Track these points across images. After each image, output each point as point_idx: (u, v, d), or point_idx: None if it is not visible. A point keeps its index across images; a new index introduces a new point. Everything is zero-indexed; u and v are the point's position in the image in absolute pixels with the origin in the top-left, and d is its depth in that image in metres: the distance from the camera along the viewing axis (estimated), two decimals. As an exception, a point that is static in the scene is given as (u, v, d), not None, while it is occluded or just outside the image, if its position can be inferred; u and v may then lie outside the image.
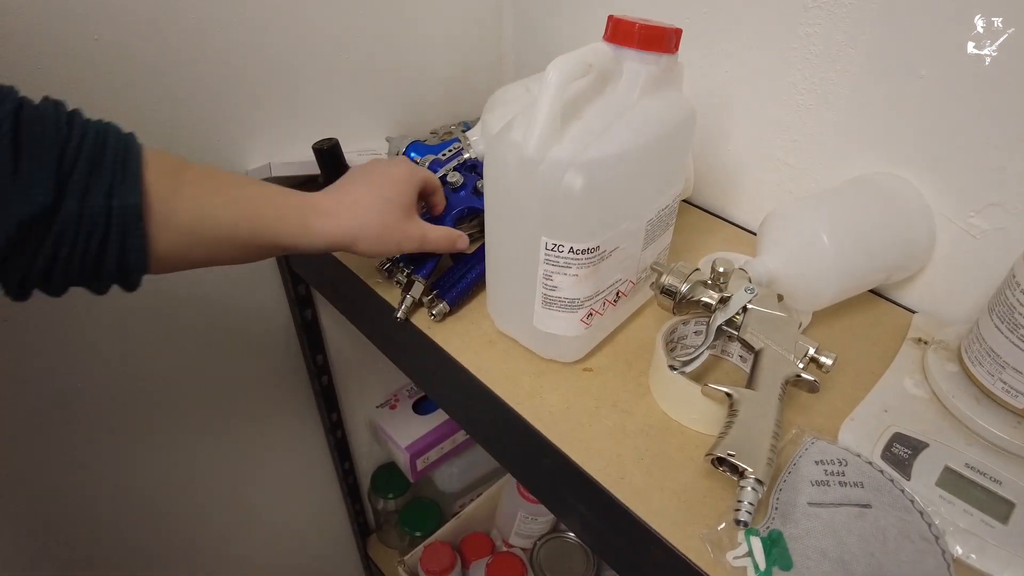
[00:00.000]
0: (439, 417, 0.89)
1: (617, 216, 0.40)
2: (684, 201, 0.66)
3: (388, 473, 0.98)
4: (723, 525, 0.36)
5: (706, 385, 0.40)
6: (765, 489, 0.36)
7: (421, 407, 0.91)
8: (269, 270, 0.72)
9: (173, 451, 0.75)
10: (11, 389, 0.59)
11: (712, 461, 0.37)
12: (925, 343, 0.47)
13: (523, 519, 0.88)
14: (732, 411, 0.39)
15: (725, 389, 0.40)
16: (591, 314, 0.43)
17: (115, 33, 0.52)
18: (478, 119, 0.78)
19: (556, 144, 0.37)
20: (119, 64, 0.53)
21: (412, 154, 0.62)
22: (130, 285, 0.36)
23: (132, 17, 0.52)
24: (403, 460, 0.86)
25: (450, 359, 0.47)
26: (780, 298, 0.46)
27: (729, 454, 0.36)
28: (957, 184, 0.48)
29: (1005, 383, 0.39)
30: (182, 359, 0.70)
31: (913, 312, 0.53)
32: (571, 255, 0.39)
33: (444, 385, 0.51)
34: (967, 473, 0.38)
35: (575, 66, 0.36)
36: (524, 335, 0.46)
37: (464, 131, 0.72)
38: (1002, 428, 0.39)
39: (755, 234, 0.61)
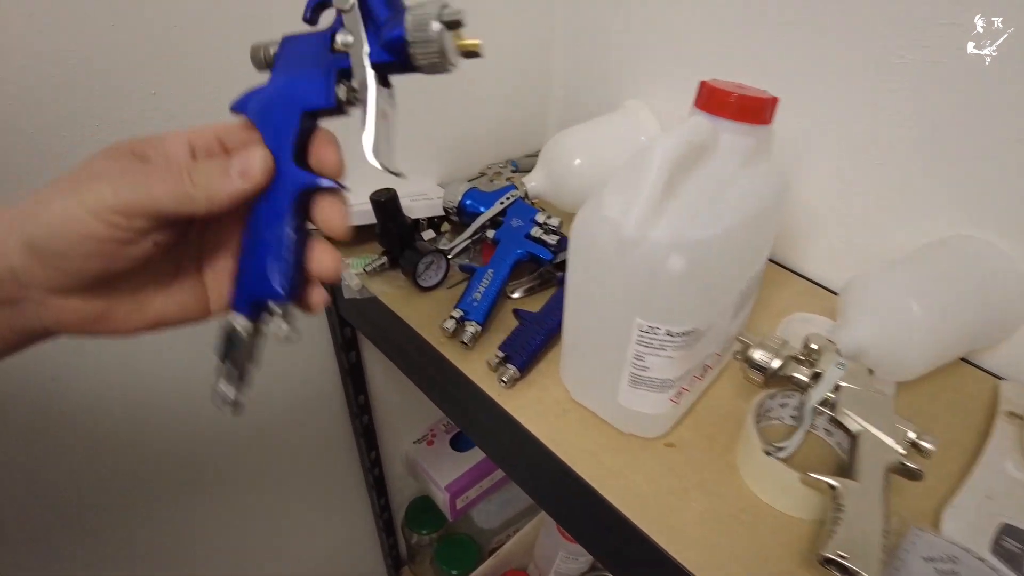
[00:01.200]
0: (478, 454, 0.88)
1: (715, 295, 0.38)
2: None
3: (423, 506, 0.97)
4: (831, 628, 0.35)
5: (807, 475, 0.39)
6: (879, 593, 0.34)
7: (459, 443, 0.89)
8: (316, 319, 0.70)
9: (211, 486, 0.74)
10: (50, 446, 0.58)
11: (821, 561, 0.36)
12: (1020, 418, 0.45)
13: (563, 558, 0.86)
14: (837, 505, 0.37)
15: (829, 480, 0.38)
16: (680, 392, 0.41)
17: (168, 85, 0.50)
18: (524, 156, 0.76)
19: (655, 224, 0.36)
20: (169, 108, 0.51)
21: (468, 201, 0.61)
22: None
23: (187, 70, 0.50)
24: (442, 499, 0.84)
25: (524, 431, 0.45)
26: (871, 372, 0.44)
27: (841, 556, 0.35)
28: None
29: (1124, 476, 0.37)
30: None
31: (999, 378, 0.50)
32: (667, 337, 0.38)
33: (518, 458, 0.49)
34: (1086, 572, 0.36)
35: (681, 147, 0.34)
36: (605, 410, 0.44)
37: (513, 170, 0.70)
38: (1122, 524, 0.37)
39: (827, 289, 0.59)
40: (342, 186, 0.27)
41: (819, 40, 0.53)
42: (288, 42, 0.28)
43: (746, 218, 0.38)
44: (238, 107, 0.28)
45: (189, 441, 0.68)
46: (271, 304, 0.27)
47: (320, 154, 0.27)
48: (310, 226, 0.28)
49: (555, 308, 0.52)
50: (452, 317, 0.52)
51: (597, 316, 0.40)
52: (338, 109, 0.27)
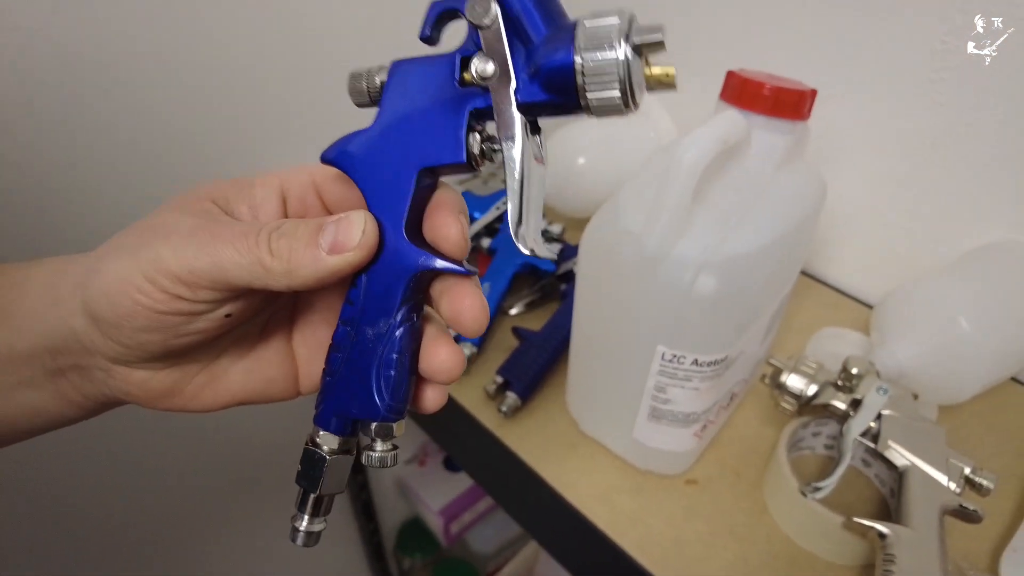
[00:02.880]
0: (473, 474, 0.82)
1: (750, 318, 0.33)
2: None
3: (415, 530, 0.91)
4: None
5: (851, 519, 0.34)
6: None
7: (452, 464, 0.84)
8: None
9: (191, 512, 0.68)
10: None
11: (875, 625, 0.31)
12: (1078, 445, 0.41)
13: (565, 583, 0.81)
14: (887, 555, 0.32)
15: (878, 527, 0.33)
16: (705, 426, 0.37)
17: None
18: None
19: (682, 236, 0.31)
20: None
21: (461, 207, 0.55)
22: None
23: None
24: (436, 523, 0.79)
25: (527, 468, 0.40)
26: (915, 397, 0.39)
27: (898, 620, 0.30)
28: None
29: None
30: (205, 429, 0.63)
31: (1046, 397, 0.46)
32: (694, 368, 0.33)
33: (521, 498, 0.44)
34: None
35: (713, 148, 0.29)
36: (618, 444, 0.39)
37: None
38: None
39: (856, 299, 0.54)
40: (470, 269, 0.21)
41: (853, 25, 0.48)
42: (400, 70, 0.20)
43: (784, 229, 0.33)
44: (332, 157, 0.21)
45: (169, 469, 0.62)
46: (373, 425, 0.21)
47: (438, 224, 0.20)
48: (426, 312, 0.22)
49: (559, 325, 0.47)
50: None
51: (611, 342, 0.35)
52: (468, 165, 0.20)
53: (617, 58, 0.17)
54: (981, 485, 0.35)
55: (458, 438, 0.48)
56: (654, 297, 0.31)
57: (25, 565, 0.57)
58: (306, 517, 0.21)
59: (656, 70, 0.18)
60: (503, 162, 0.19)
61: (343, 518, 0.85)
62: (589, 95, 0.18)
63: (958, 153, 0.46)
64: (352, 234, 0.19)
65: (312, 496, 0.21)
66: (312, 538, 0.21)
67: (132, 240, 0.20)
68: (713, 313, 0.31)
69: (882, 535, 0.33)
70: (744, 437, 0.42)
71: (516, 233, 0.19)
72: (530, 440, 0.42)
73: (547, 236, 0.53)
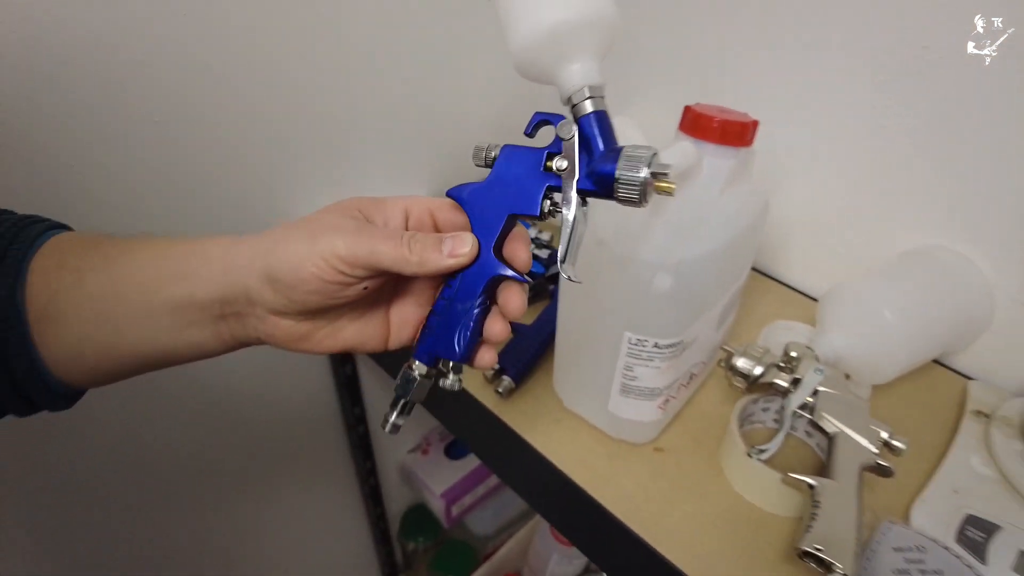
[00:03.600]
0: (472, 462, 0.89)
1: (700, 309, 0.41)
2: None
3: (418, 515, 0.98)
4: (812, 618, 0.37)
5: (787, 475, 0.41)
6: (852, 581, 0.36)
7: (453, 451, 0.91)
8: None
9: (206, 497, 0.74)
10: (63, 464, 0.59)
11: (799, 554, 0.38)
12: (987, 416, 0.48)
13: (557, 561, 0.88)
14: (815, 502, 0.40)
15: (808, 480, 0.40)
16: (668, 400, 0.44)
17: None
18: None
19: (643, 244, 0.38)
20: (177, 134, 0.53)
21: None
22: (45, 400, 0.30)
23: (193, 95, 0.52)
24: (438, 506, 0.86)
25: (520, 440, 0.47)
26: (847, 377, 0.47)
27: (817, 548, 0.37)
28: (1018, 260, 0.50)
29: (1077, 469, 0.40)
30: (221, 413, 0.70)
31: (968, 378, 0.54)
32: (655, 349, 0.40)
33: (515, 467, 0.51)
34: (1043, 559, 0.39)
35: (667, 172, 0.37)
36: (596, 417, 0.47)
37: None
38: (1076, 514, 0.40)
39: (808, 296, 0.62)
40: (528, 280, 0.31)
41: (800, 57, 0.56)
42: (508, 151, 0.32)
43: (728, 238, 0.40)
44: (453, 194, 0.32)
45: (186, 453, 0.69)
46: (450, 362, 0.32)
47: (514, 249, 0.31)
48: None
49: (548, 320, 0.54)
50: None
51: (588, 330, 0.42)
52: (540, 217, 0.31)
53: (639, 176, 0.27)
54: (895, 446, 0.42)
55: (462, 417, 0.55)
56: (622, 293, 0.39)
57: (60, 538, 0.63)
58: (395, 413, 0.32)
59: (662, 184, 0.28)
60: (561, 219, 0.30)
61: (351, 503, 0.92)
62: (619, 194, 0.28)
63: (892, 170, 0.54)
64: (464, 246, 0.30)
65: (403, 400, 0.32)
66: (396, 429, 0.32)
67: (308, 231, 0.29)
68: (668, 304, 0.38)
69: (811, 486, 0.40)
70: (704, 413, 0.50)
71: (563, 265, 0.30)
72: (522, 416, 0.49)
73: (538, 243, 0.60)
